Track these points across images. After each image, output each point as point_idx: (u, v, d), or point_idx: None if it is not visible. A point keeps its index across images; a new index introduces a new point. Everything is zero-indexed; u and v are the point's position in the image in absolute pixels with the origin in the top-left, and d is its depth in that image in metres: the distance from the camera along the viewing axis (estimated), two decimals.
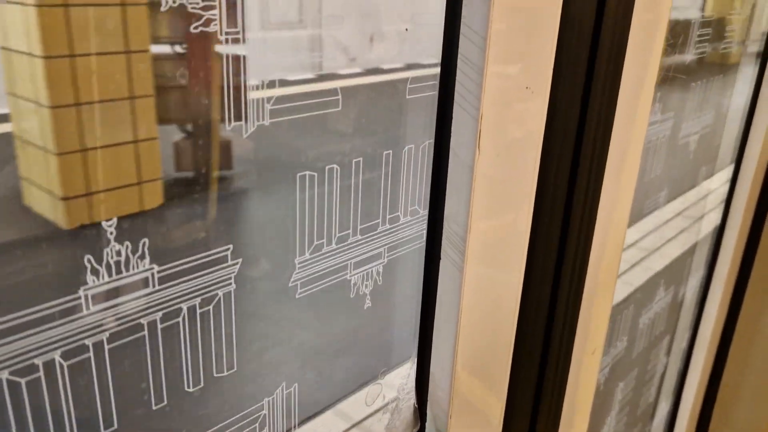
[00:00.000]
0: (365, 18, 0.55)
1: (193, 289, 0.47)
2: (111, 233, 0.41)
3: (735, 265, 1.50)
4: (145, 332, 0.45)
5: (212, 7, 0.42)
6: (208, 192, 0.47)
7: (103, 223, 0.41)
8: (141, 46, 0.40)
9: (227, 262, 0.49)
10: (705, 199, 1.44)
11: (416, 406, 0.72)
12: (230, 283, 0.50)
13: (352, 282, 0.61)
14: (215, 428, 0.53)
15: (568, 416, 0.90)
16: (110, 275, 0.42)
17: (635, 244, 1.25)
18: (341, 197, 0.56)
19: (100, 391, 0.44)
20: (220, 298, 0.49)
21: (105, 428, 0.45)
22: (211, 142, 0.46)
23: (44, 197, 0.40)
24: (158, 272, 0.45)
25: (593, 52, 0.67)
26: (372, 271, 0.62)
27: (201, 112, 0.45)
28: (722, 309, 1.56)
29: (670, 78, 1.05)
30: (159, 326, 0.46)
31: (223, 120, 0.46)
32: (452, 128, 0.59)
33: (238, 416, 0.55)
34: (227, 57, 0.45)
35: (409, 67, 0.60)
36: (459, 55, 0.57)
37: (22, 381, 0.40)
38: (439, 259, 0.64)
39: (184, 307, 0.47)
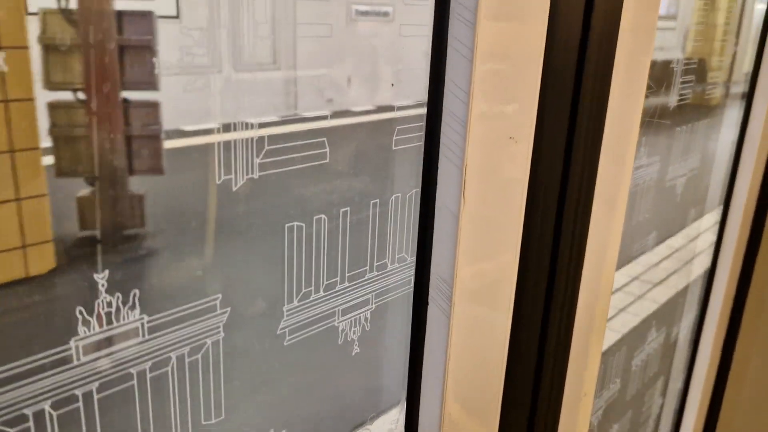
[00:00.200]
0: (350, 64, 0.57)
1: (181, 338, 0.48)
2: None
3: (727, 307, 1.51)
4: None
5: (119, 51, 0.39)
6: (116, 253, 0.41)
7: None
8: (23, 94, 0.36)
9: (216, 311, 0.50)
10: (695, 240, 1.45)
11: None
12: (219, 332, 0.50)
13: (340, 328, 0.61)
14: None
15: None
16: None
17: (625, 287, 1.26)
18: (329, 244, 0.58)
19: None
20: (208, 347, 0.50)
21: None
22: (120, 197, 0.41)
23: None
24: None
25: (576, 98, 0.68)
26: (360, 317, 0.63)
27: (106, 164, 0.40)
28: (716, 349, 1.56)
29: (655, 123, 1.07)
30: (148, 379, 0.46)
31: (134, 172, 0.42)
32: (438, 177, 0.60)
33: None
34: (140, 104, 0.41)
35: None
36: (444, 107, 0.59)
37: None
38: (427, 305, 0.65)
39: (173, 356, 0.48)
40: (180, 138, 0.46)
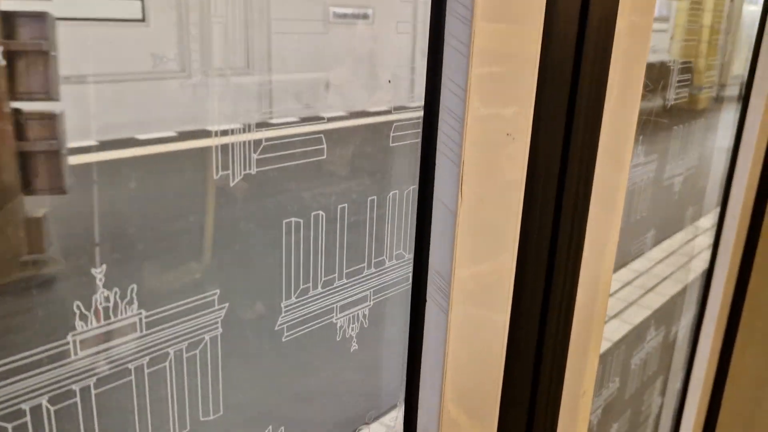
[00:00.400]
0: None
1: (179, 333, 0.48)
2: None
3: (725, 306, 1.51)
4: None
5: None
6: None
7: None
8: None
9: (214, 306, 0.50)
10: (693, 239, 1.45)
11: None
12: (217, 328, 0.50)
13: (339, 325, 0.61)
14: None
15: None
16: None
17: (627, 285, 1.26)
18: (327, 241, 0.58)
19: None
20: (206, 342, 0.50)
21: None
22: (12, 218, 0.37)
23: None
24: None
25: (573, 96, 0.69)
26: (358, 314, 0.63)
27: None
28: (714, 349, 1.56)
29: (652, 122, 1.07)
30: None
31: (35, 191, 0.38)
32: (435, 175, 0.61)
33: None
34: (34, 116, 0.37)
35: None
36: (441, 104, 0.59)
37: None
38: (425, 302, 0.65)
39: (171, 351, 0.48)
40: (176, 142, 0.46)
